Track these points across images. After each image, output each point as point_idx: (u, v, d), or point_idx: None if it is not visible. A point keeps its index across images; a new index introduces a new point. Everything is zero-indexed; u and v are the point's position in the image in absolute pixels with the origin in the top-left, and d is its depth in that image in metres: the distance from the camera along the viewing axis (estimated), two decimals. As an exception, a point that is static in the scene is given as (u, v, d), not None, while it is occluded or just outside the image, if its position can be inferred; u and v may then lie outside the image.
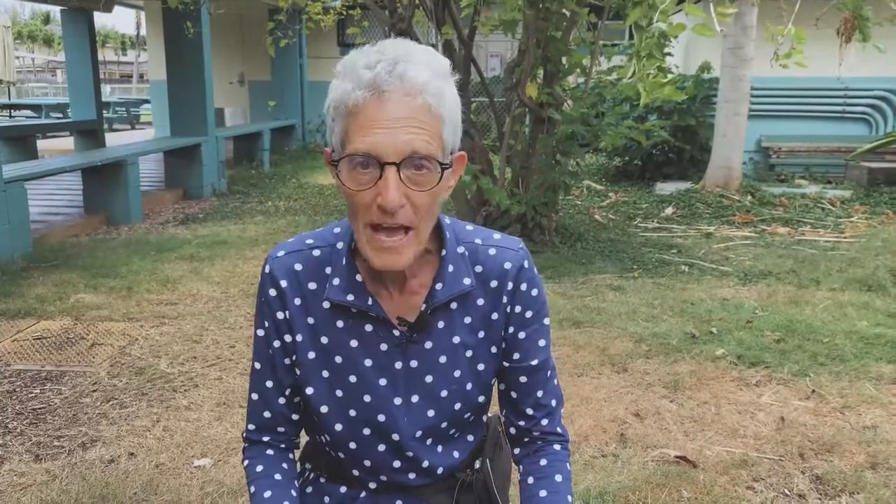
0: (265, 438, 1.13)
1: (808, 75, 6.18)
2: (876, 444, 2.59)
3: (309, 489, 1.17)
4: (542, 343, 1.10)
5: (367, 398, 1.05)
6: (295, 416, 1.12)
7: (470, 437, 1.15)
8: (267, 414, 1.11)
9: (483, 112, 10.68)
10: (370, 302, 1.02)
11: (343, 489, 1.14)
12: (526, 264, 1.07)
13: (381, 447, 1.07)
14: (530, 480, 1.10)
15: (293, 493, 1.09)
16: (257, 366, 1.10)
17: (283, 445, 1.14)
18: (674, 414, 2.86)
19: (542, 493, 1.08)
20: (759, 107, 8.66)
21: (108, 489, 2.30)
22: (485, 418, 1.20)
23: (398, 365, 1.05)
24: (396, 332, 1.04)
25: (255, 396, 1.12)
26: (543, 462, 1.11)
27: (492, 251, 1.07)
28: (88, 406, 2.94)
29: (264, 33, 7.17)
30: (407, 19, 5.43)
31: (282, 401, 1.10)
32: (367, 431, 1.07)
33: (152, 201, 7.38)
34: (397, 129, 0.88)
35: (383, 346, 1.05)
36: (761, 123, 8.85)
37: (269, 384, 1.10)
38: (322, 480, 1.16)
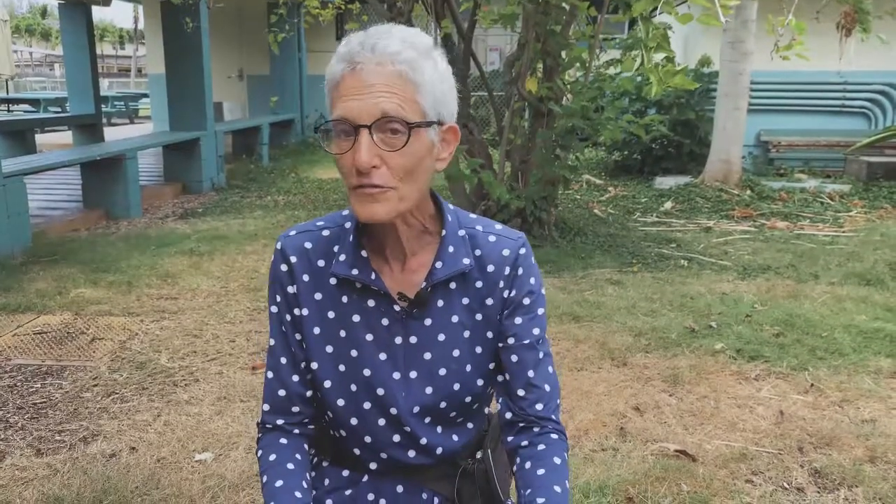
0: (279, 422, 1.14)
1: (808, 69, 6.17)
2: (874, 438, 2.60)
3: (311, 473, 1.18)
4: (536, 331, 1.12)
5: (366, 372, 1.09)
6: (309, 394, 1.13)
7: (470, 425, 1.16)
8: (281, 392, 1.13)
9: (482, 106, 10.68)
10: (373, 276, 1.07)
11: (345, 473, 1.16)
12: (523, 252, 1.11)
13: (381, 421, 1.10)
14: (528, 465, 1.09)
15: (304, 483, 1.09)
16: (272, 342, 1.14)
17: (296, 431, 1.14)
18: (673, 408, 2.87)
19: (541, 472, 1.07)
20: (758, 101, 8.65)
21: (110, 483, 2.30)
22: (486, 410, 1.21)
23: (398, 340, 1.09)
24: (397, 308, 1.08)
25: (270, 375, 1.14)
26: (541, 447, 1.10)
27: (491, 238, 1.11)
28: (89, 400, 2.95)
29: (263, 28, 7.16)
30: (406, 13, 5.42)
31: (296, 378, 1.12)
32: (367, 405, 1.09)
33: (151, 196, 7.37)
34: (369, 94, 0.95)
35: (384, 321, 1.08)
36: (761, 117, 8.84)
37: (284, 360, 1.12)
38: (325, 464, 1.18)
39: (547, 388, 1.13)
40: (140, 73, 33.72)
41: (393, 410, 1.09)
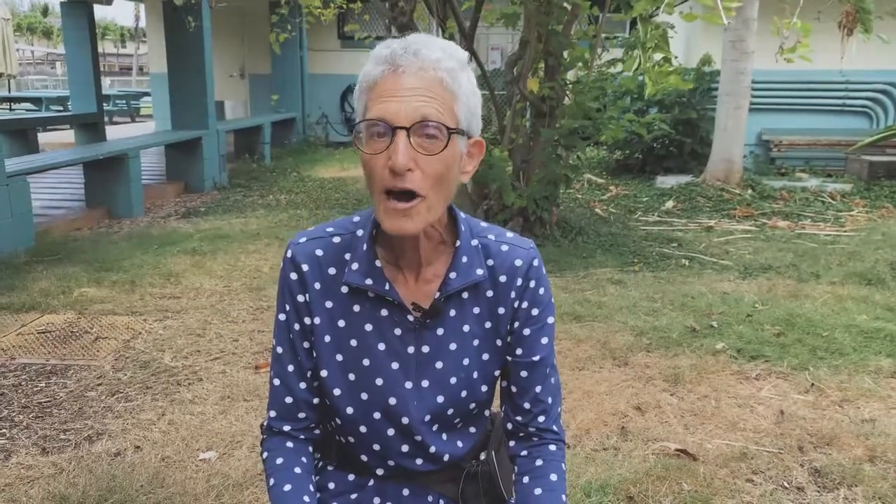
0: (286, 428, 1.14)
1: (809, 68, 6.18)
2: (874, 438, 2.61)
3: (316, 477, 1.19)
4: (544, 341, 1.13)
5: (378, 381, 1.09)
6: (316, 401, 1.14)
7: (472, 429, 1.18)
8: (288, 399, 1.13)
9: (483, 105, 10.68)
10: (387, 286, 1.06)
11: (351, 477, 1.17)
12: (535, 263, 1.12)
13: (391, 431, 1.10)
14: (525, 480, 1.12)
15: (311, 487, 1.11)
16: (279, 350, 1.13)
17: (302, 436, 1.15)
18: (674, 407, 2.88)
19: (538, 491, 1.10)
20: (759, 100, 8.66)
21: (115, 482, 2.32)
22: (487, 412, 1.23)
23: (410, 349, 1.09)
24: (411, 318, 1.08)
25: (276, 382, 1.14)
26: (539, 462, 1.13)
27: (504, 247, 1.11)
28: (94, 400, 2.96)
29: (265, 26, 7.17)
30: (408, 13, 5.43)
31: (303, 385, 1.13)
32: (377, 415, 1.10)
33: (154, 195, 7.39)
34: (410, 97, 0.95)
35: (397, 331, 1.09)
36: (762, 117, 8.85)
37: (291, 368, 1.12)
38: (330, 468, 1.19)
39: (550, 400, 1.16)
40: (141, 72, 33.75)
41: (405, 419, 1.09)
